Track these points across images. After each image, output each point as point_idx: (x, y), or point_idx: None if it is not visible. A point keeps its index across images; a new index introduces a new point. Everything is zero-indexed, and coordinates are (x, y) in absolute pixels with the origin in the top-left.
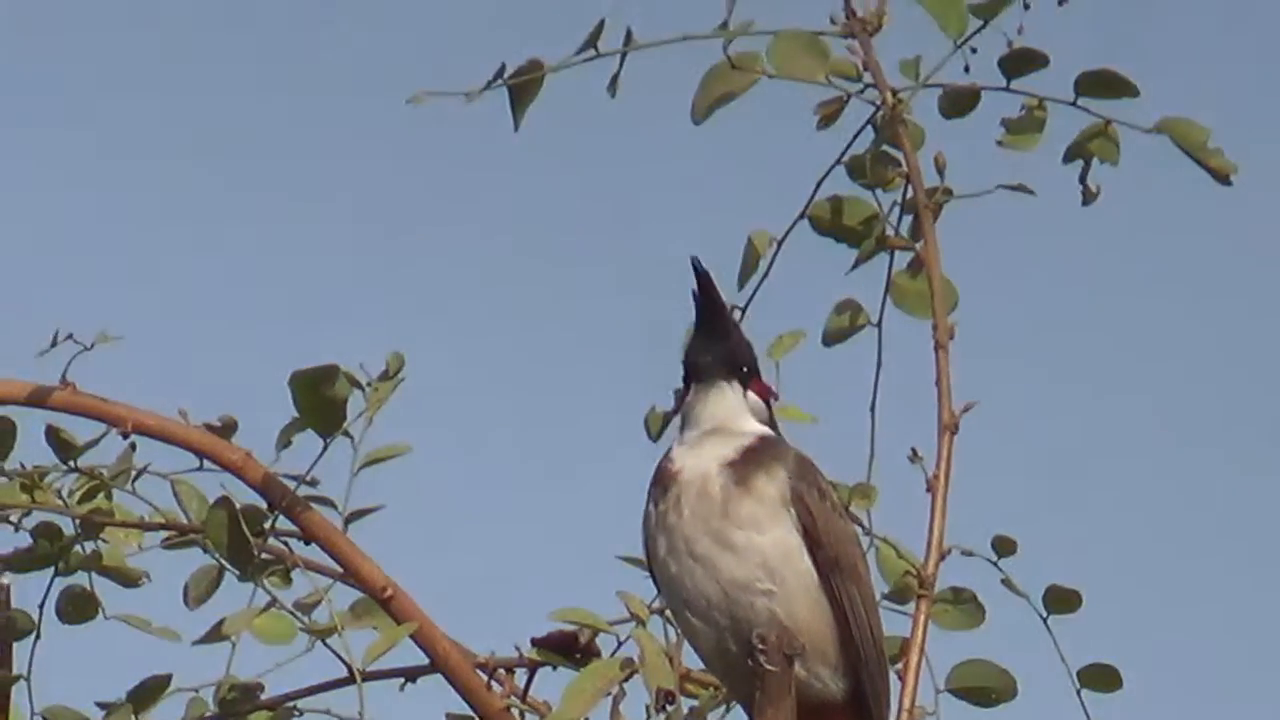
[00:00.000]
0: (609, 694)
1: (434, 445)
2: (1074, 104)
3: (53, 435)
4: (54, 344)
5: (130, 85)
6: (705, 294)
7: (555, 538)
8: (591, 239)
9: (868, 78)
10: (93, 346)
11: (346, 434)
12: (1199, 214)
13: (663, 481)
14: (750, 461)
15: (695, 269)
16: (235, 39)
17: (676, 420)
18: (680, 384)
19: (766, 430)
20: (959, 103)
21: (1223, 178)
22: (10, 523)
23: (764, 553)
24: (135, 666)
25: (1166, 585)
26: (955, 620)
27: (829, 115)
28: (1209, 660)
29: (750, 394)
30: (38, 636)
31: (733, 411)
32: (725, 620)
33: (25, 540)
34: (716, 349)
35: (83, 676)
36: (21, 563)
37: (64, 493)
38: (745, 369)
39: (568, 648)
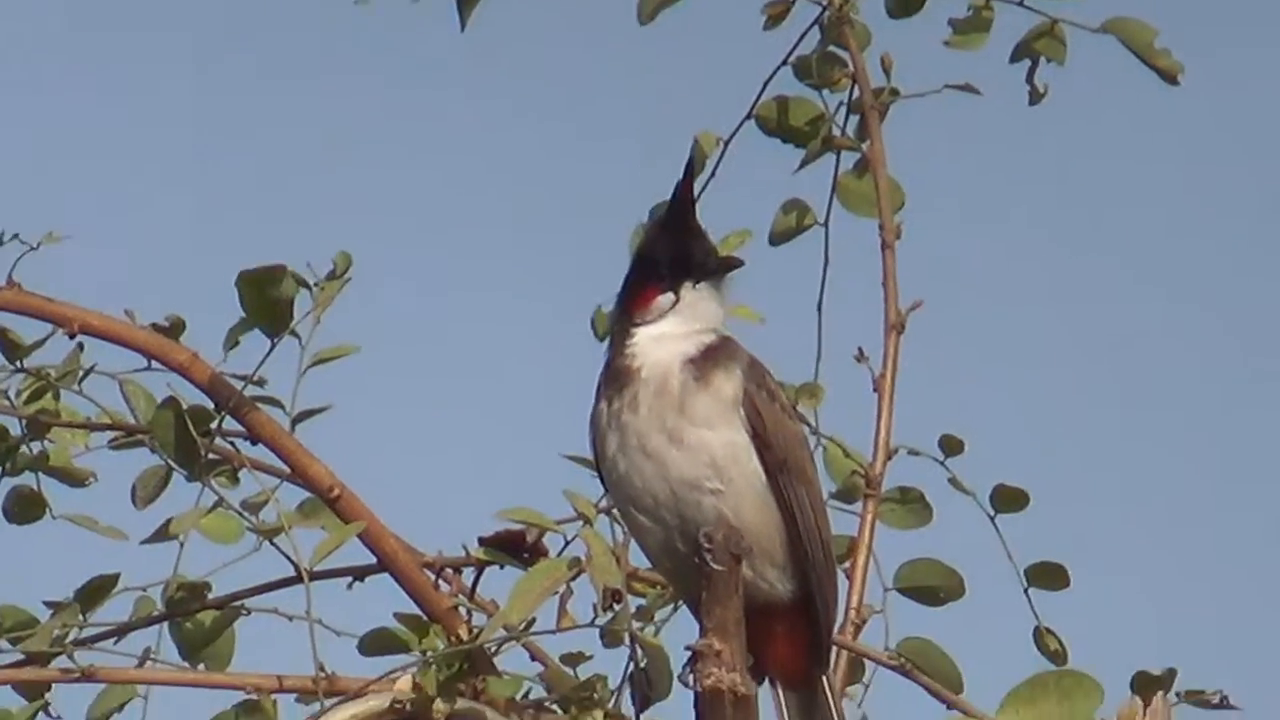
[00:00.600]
0: (556, 593)
1: (381, 345)
2: (1020, 3)
3: None
4: None
5: None
6: (687, 191)
7: (502, 437)
8: (538, 140)
9: None
10: (39, 246)
11: (294, 334)
12: (1146, 113)
13: (619, 379)
14: (709, 359)
15: (687, 165)
16: None
17: (649, 313)
18: (644, 275)
19: (725, 332)
20: (906, 3)
21: (1170, 78)
22: None
23: (712, 451)
24: (83, 566)
25: (1114, 483)
26: (903, 519)
27: (776, 15)
28: (1157, 558)
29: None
30: None
31: (715, 316)
32: (673, 519)
33: None
34: (708, 249)
35: (30, 576)
36: None
37: (10, 393)
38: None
39: (515, 547)
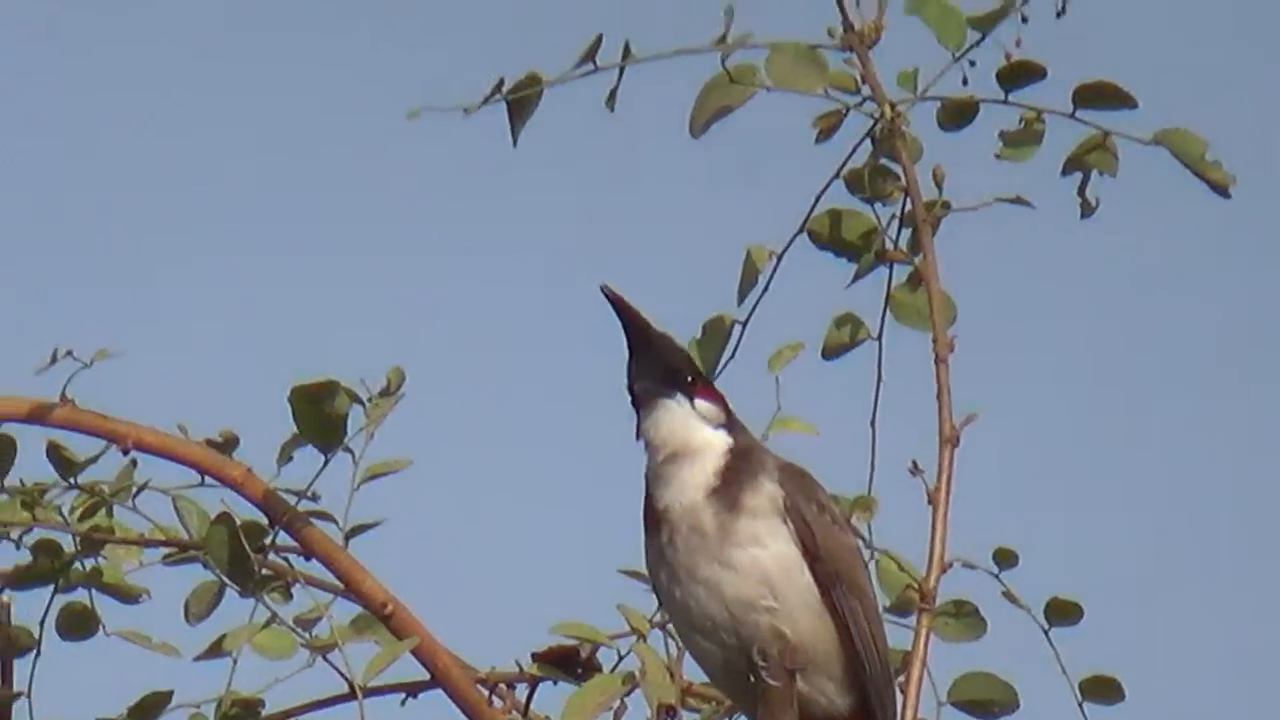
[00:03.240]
0: (610, 708)
1: (434, 459)
2: (1072, 116)
3: (53, 452)
4: (53, 360)
5: (126, 81)
6: (623, 317)
7: (555, 551)
8: (591, 255)
9: (865, 90)
10: (92, 363)
11: (347, 449)
12: (1198, 224)
13: (652, 517)
14: (733, 482)
15: (605, 295)
16: (240, 40)
17: (641, 436)
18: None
19: (729, 438)
20: (957, 115)
21: (1221, 189)
22: (11, 540)
23: (764, 569)
24: (135, 683)
25: (1168, 596)
26: (957, 632)
27: (827, 128)
28: (1211, 671)
29: (699, 400)
30: (38, 653)
31: (685, 426)
32: (731, 639)
33: (26, 557)
34: (648, 367)
35: (83, 693)
36: (22, 579)
37: (64, 509)
38: (688, 377)
39: (568, 662)
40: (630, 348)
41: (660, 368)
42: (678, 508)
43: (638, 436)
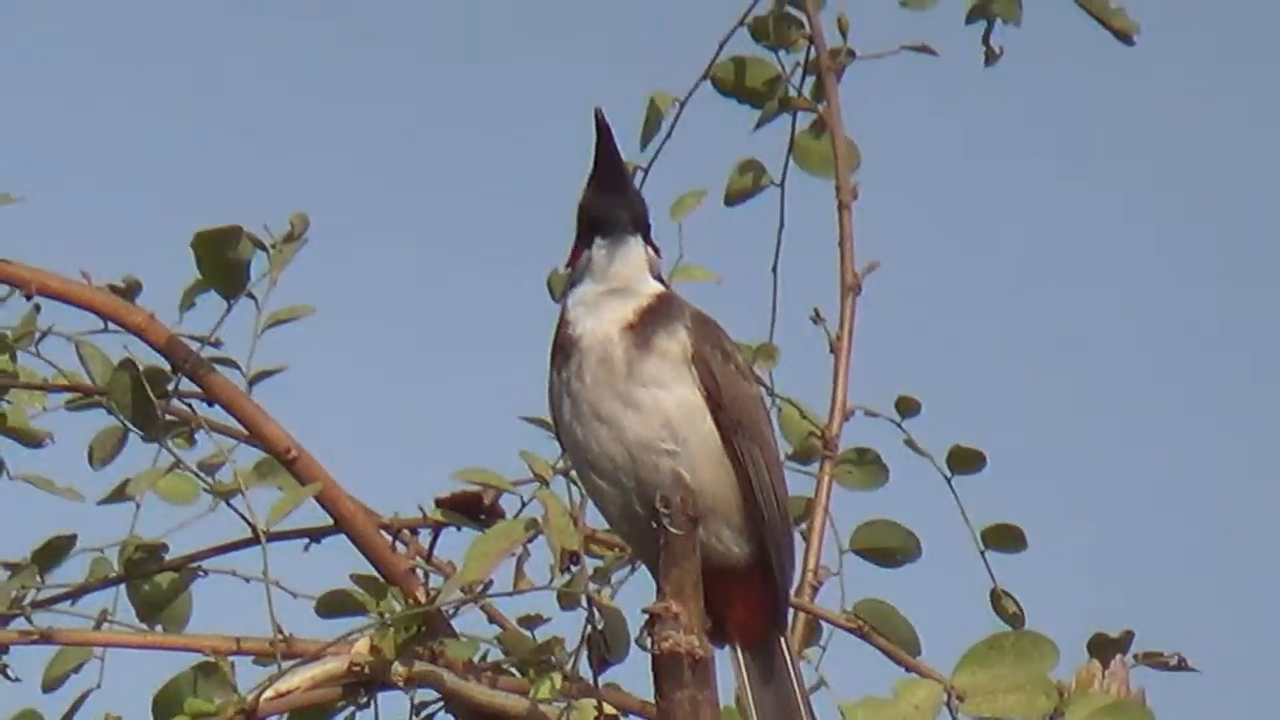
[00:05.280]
0: (513, 554)
1: (337, 306)
2: None
3: None
4: None
5: None
6: (606, 147)
7: (459, 398)
8: (495, 98)
9: None
10: None
11: (250, 295)
12: (1100, 73)
13: (564, 348)
14: (649, 322)
15: (597, 120)
16: None
17: (573, 272)
18: (576, 235)
19: (659, 288)
20: None
21: (1125, 37)
22: None
23: (667, 412)
24: (39, 526)
25: (1069, 445)
26: (859, 480)
27: None
28: (1113, 520)
29: (650, 251)
30: None
31: (637, 268)
32: (630, 482)
33: None
34: (622, 203)
35: None
36: None
37: None
38: (648, 225)
39: (472, 508)
40: (600, 180)
41: (629, 208)
42: (592, 337)
43: (576, 262)
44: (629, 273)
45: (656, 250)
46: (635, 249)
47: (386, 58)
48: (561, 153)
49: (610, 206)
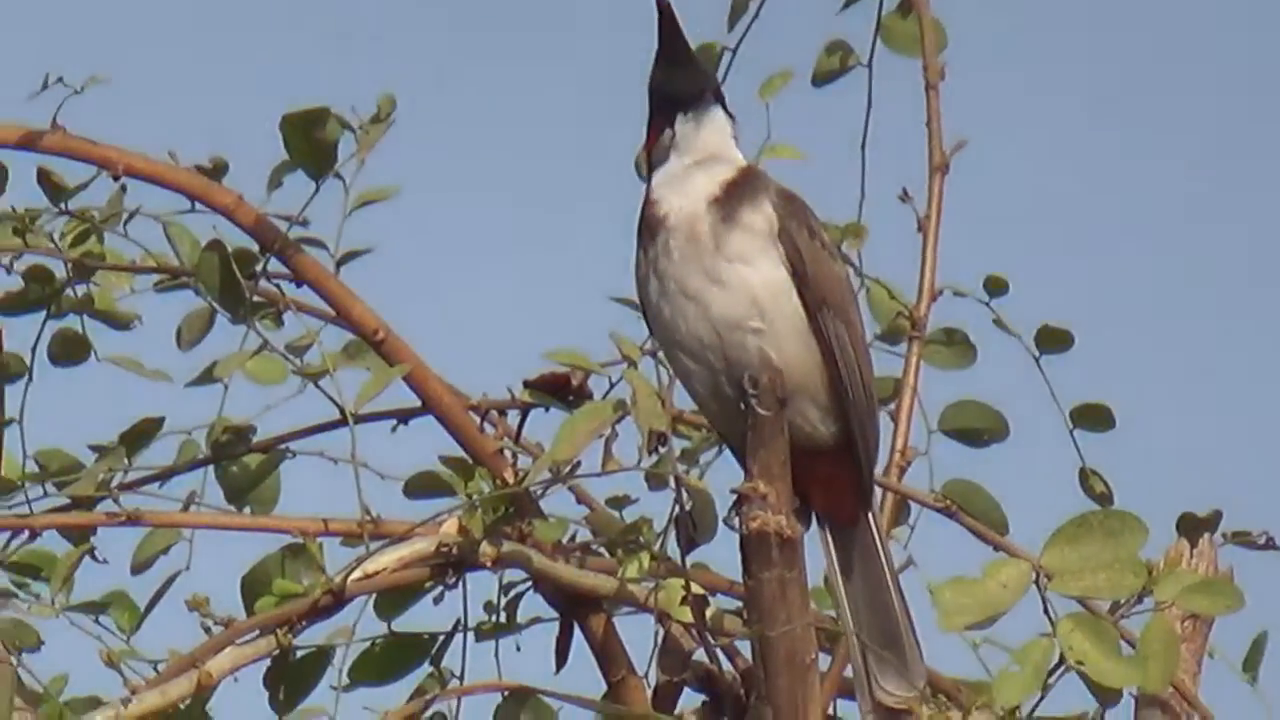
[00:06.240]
0: (601, 435)
1: (425, 187)
2: None
3: (44, 178)
4: (44, 87)
5: None
6: (670, 23)
7: (548, 278)
8: None
9: None
10: (83, 89)
11: (337, 175)
12: None
13: (650, 226)
14: (735, 196)
15: (657, 3)
16: None
17: (659, 151)
18: (650, 116)
19: (744, 161)
20: None
21: None
22: (2, 265)
23: (753, 289)
24: (127, 409)
25: (1159, 325)
26: (947, 360)
27: None
28: (1203, 399)
29: (730, 120)
30: (30, 379)
31: (724, 135)
32: (719, 362)
33: (17, 283)
34: (696, 75)
35: (75, 419)
36: (13, 305)
37: (55, 235)
38: (724, 96)
39: (560, 389)
40: (669, 57)
41: (702, 83)
42: (679, 215)
43: (655, 142)
44: (717, 140)
45: (734, 119)
46: (719, 117)
47: None
48: (650, 35)
49: (687, 80)
